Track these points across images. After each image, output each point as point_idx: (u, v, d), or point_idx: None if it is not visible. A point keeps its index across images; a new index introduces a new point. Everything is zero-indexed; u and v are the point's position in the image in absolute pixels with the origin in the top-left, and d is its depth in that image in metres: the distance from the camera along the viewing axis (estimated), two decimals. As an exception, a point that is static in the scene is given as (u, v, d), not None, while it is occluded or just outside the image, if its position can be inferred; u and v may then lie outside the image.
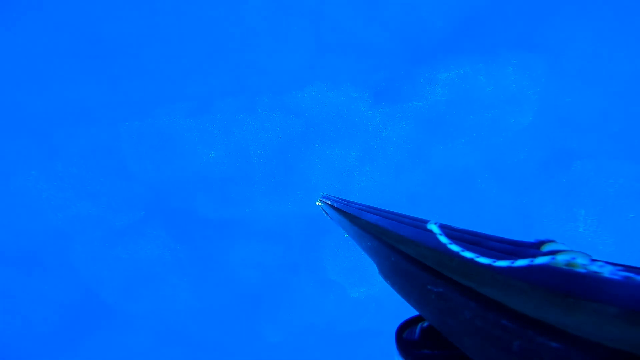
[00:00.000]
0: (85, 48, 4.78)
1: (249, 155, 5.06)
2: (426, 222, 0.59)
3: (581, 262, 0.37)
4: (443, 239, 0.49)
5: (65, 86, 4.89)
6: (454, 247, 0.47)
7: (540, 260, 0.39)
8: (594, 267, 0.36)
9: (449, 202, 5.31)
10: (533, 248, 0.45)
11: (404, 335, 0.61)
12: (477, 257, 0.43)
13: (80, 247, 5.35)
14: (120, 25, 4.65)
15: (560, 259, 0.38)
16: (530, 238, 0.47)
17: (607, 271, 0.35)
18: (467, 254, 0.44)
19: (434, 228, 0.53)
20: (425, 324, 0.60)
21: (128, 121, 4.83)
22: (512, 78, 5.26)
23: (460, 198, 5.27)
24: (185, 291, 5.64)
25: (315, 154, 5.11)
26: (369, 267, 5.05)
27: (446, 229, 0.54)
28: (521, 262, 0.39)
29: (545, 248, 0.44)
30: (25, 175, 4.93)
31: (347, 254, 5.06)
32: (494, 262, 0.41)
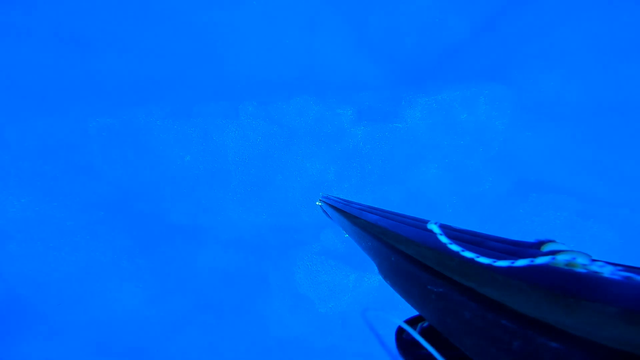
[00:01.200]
0: (64, 35, 4.28)
1: (227, 162, 4.86)
2: (426, 222, 0.59)
3: (581, 262, 0.37)
4: (443, 239, 0.49)
5: (33, 71, 4.34)
6: (454, 247, 0.47)
7: (540, 260, 0.38)
8: (594, 267, 0.36)
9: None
10: (533, 248, 0.46)
11: (404, 335, 0.60)
12: (478, 257, 0.43)
13: (16, 245, 4.75)
14: (109, 17, 4.24)
15: (561, 259, 0.38)
16: (531, 240, 0.48)
17: (607, 271, 0.35)
18: (467, 254, 0.44)
19: (434, 228, 0.53)
20: (425, 324, 0.60)
21: (100, 117, 4.41)
22: (483, 108, 5.63)
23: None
24: (137, 298, 5.25)
25: (295, 166, 5.06)
26: (340, 281, 5.10)
27: (446, 229, 0.54)
28: (521, 262, 0.39)
29: (546, 248, 0.44)
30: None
31: (319, 268, 5.05)
32: (494, 262, 0.41)
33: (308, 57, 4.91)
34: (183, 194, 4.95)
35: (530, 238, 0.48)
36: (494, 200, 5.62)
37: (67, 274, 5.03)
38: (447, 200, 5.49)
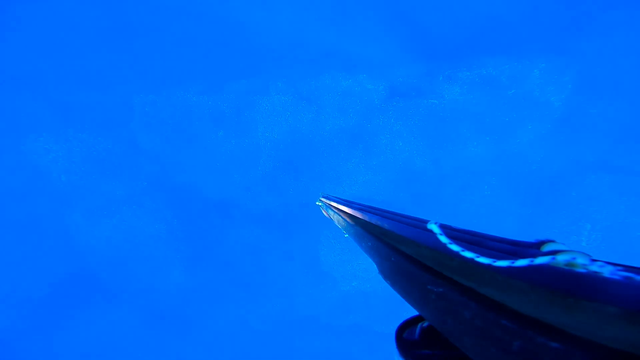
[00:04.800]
0: (110, 23, 4.79)
1: (257, 137, 5.02)
2: (426, 222, 0.58)
3: (581, 262, 0.37)
4: (443, 239, 0.49)
5: (86, 55, 4.90)
6: (454, 247, 0.47)
7: (540, 260, 0.39)
8: (594, 267, 0.36)
9: (452, 205, 5.21)
10: (533, 248, 0.45)
11: (404, 335, 0.61)
12: (477, 257, 0.43)
13: (79, 212, 5.37)
14: (146, 4, 4.65)
15: (560, 259, 0.38)
16: (531, 240, 0.47)
17: (607, 271, 0.35)
18: (467, 254, 0.44)
19: (434, 228, 0.53)
20: (425, 324, 0.60)
21: (143, 93, 4.83)
22: (537, 82, 5.12)
23: (465, 201, 5.16)
24: (175, 267, 5.63)
25: (323, 143, 5.05)
26: (363, 262, 4.98)
27: (446, 229, 0.54)
28: (521, 262, 0.39)
29: (545, 248, 0.44)
30: (37, 136, 4.97)
31: (343, 247, 4.99)
32: (494, 262, 0.41)
33: (337, 32, 4.87)
34: (216, 169, 5.20)
35: (535, 237, 0.47)
36: (541, 181, 5.08)
37: (119, 242, 5.57)
38: (485, 181, 5.08)
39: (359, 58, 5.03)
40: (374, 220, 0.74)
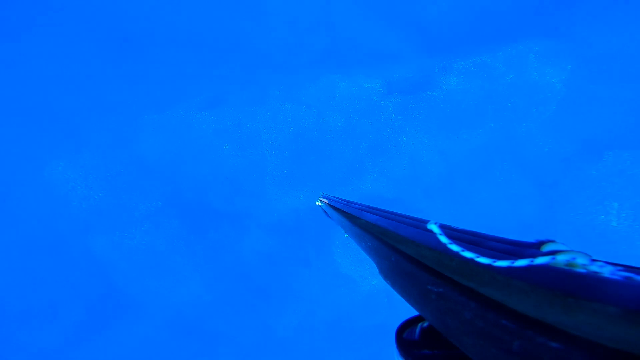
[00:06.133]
0: (108, 50, 5.07)
1: (261, 147, 5.11)
2: (426, 222, 0.59)
3: (581, 262, 0.37)
4: (443, 239, 0.49)
5: (92, 83, 5.19)
6: (454, 247, 0.47)
7: (540, 260, 0.39)
8: (594, 267, 0.36)
9: (466, 195, 5.09)
10: (533, 248, 0.45)
11: (404, 335, 0.61)
12: (477, 257, 0.43)
13: (102, 236, 5.59)
14: (139, 25, 4.90)
15: (560, 259, 0.38)
16: (539, 237, 0.47)
17: (607, 271, 0.35)
18: (467, 254, 0.45)
19: (434, 228, 0.53)
20: (425, 324, 0.60)
21: (147, 114, 5.04)
22: (534, 65, 5.02)
23: (477, 191, 5.04)
24: (197, 283, 5.74)
25: (327, 145, 5.09)
26: (381, 260, 4.91)
27: (446, 229, 0.54)
28: (521, 262, 0.39)
29: (545, 248, 0.44)
30: (54, 165, 5.25)
31: (357, 247, 4.95)
32: (494, 262, 0.41)
33: (329, 34, 4.96)
34: (225, 182, 5.32)
35: (535, 237, 0.49)
36: (557, 163, 4.90)
37: (141, 260, 5.75)
38: (497, 168, 4.95)
39: (353, 58, 5.09)
40: (374, 220, 0.75)
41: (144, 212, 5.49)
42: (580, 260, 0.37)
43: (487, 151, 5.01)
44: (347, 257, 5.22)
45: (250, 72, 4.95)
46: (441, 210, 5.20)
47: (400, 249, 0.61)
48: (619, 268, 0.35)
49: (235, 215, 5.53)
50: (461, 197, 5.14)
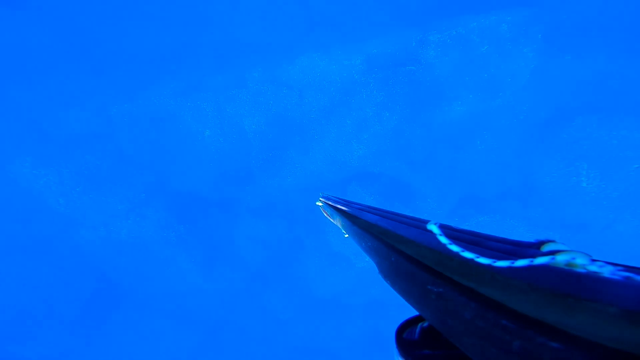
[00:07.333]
0: (64, 34, 4.74)
1: (244, 131, 5.02)
2: (426, 222, 0.59)
3: (581, 262, 0.37)
4: (443, 239, 0.49)
5: (48, 73, 4.86)
6: (454, 248, 0.47)
7: (540, 260, 0.39)
8: (594, 267, 0.36)
9: (449, 165, 5.25)
10: (533, 248, 0.45)
11: (404, 335, 0.61)
12: (477, 257, 0.43)
13: (87, 232, 5.39)
14: (99, 8, 4.60)
15: (560, 259, 0.38)
16: (531, 240, 0.49)
17: (607, 271, 0.35)
18: (467, 254, 0.45)
19: (434, 228, 0.53)
20: (425, 324, 0.60)
21: (118, 104, 4.81)
22: (507, 36, 5.15)
23: (460, 161, 5.20)
24: (192, 271, 5.68)
25: (311, 124, 5.06)
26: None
27: (446, 229, 0.54)
28: (521, 262, 0.39)
29: (545, 248, 0.44)
30: (22, 161, 4.95)
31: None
32: (494, 262, 0.41)
33: (304, 12, 4.86)
34: (209, 169, 5.21)
35: (535, 237, 0.49)
36: (532, 128, 5.12)
37: (132, 253, 5.60)
38: (478, 137, 5.12)
39: (330, 36, 5.03)
40: (374, 220, 0.74)
41: (128, 204, 5.32)
42: (580, 260, 0.37)
43: (468, 122, 5.16)
44: (340, 235, 5.30)
45: (225, 55, 4.79)
46: (426, 181, 5.35)
47: (400, 249, 0.61)
48: (619, 268, 0.35)
49: (223, 202, 5.46)
50: (445, 168, 5.30)
